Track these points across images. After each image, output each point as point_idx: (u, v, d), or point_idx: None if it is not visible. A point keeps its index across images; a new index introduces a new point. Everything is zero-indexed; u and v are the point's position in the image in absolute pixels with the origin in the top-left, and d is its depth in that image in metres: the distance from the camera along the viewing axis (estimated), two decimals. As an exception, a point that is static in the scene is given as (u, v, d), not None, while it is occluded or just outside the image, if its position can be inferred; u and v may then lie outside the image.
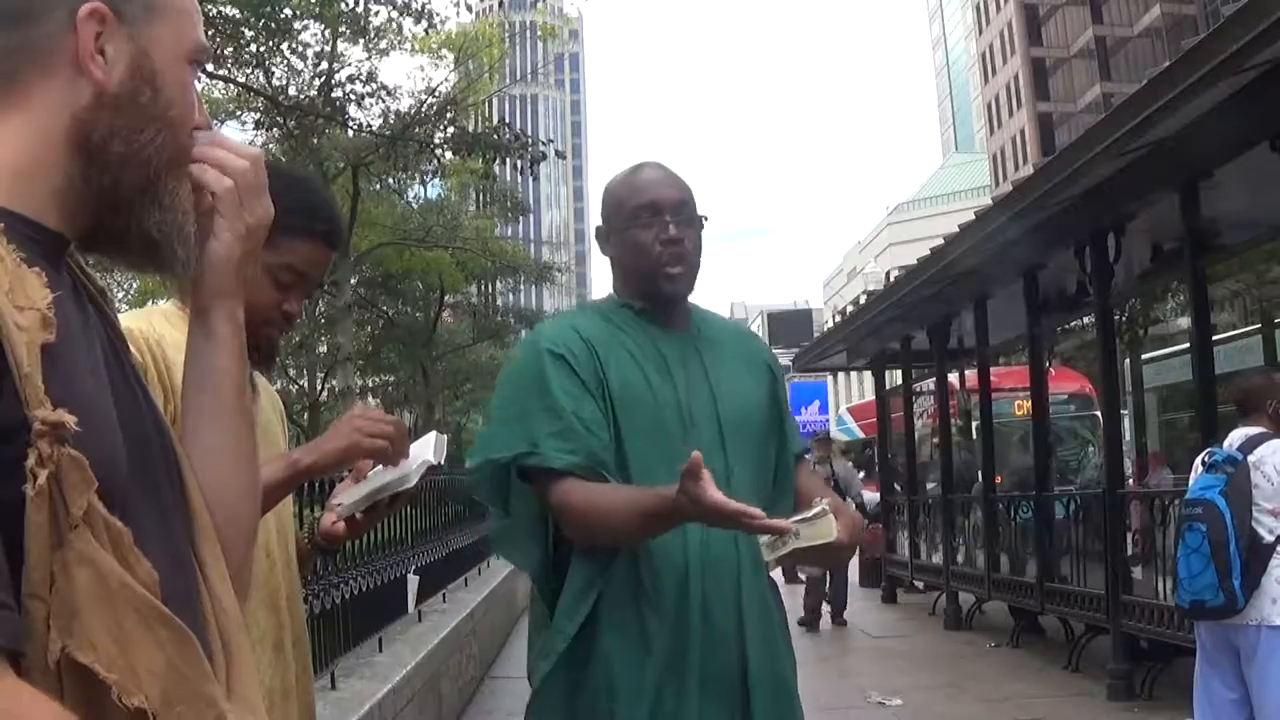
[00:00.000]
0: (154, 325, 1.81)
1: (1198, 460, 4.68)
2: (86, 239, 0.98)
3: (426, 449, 1.89)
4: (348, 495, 1.90)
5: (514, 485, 2.14)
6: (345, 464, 1.85)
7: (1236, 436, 4.47)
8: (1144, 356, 10.76)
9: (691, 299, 2.31)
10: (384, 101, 18.36)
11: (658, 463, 2.09)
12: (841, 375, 40.63)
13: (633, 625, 2.07)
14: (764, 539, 2.06)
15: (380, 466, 1.86)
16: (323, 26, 17.49)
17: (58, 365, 0.82)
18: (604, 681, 2.07)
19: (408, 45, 19.79)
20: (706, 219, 2.25)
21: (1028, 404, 13.73)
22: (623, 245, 2.22)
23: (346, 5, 17.02)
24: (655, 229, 2.17)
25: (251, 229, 1.05)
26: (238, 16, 15.35)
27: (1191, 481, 4.66)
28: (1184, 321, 9.58)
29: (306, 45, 17.57)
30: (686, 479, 1.83)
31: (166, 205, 0.98)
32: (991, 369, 11.37)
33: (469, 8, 18.02)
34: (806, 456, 2.41)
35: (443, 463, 1.89)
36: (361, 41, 18.53)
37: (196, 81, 1.01)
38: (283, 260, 1.80)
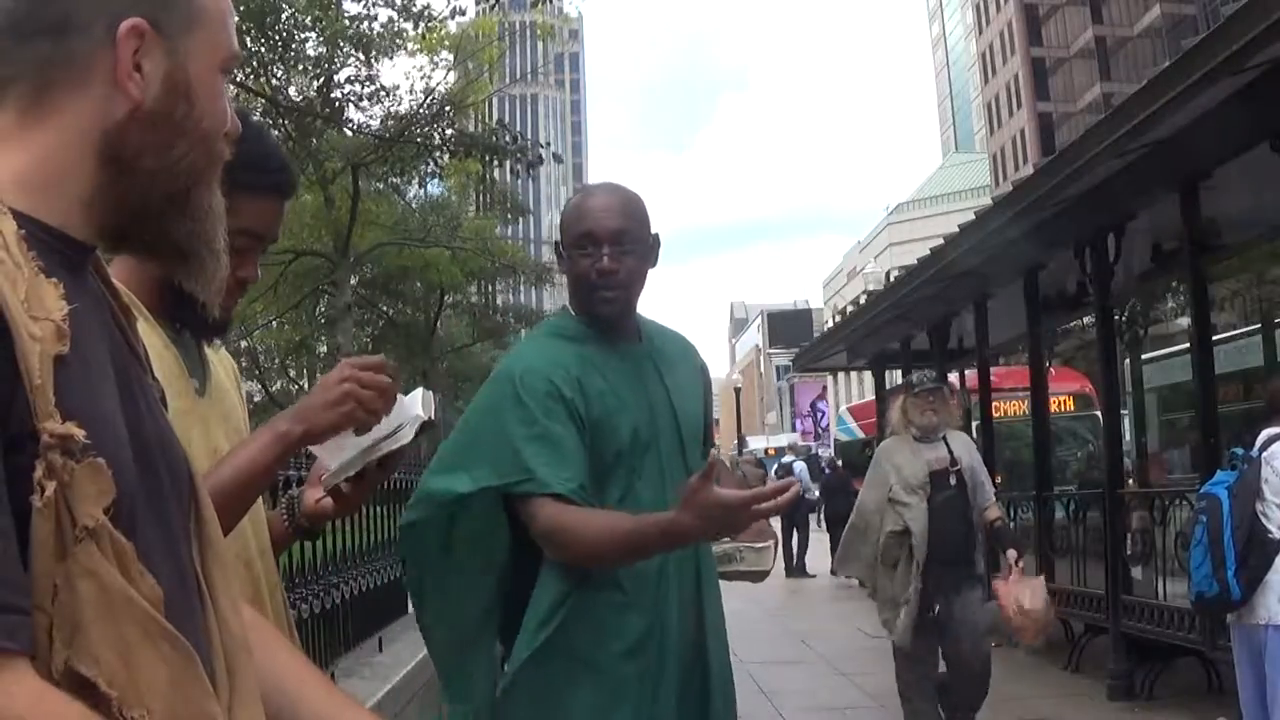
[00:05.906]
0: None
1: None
2: (114, 242, 0.97)
3: (415, 404, 1.68)
4: (332, 459, 1.69)
5: (472, 516, 2.18)
6: (340, 431, 1.60)
7: (1263, 437, 4.54)
8: (1144, 356, 10.74)
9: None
10: (382, 102, 18.38)
11: (633, 474, 2.24)
12: (841, 375, 40.66)
13: (609, 621, 2.19)
14: (715, 553, 2.32)
15: None
16: (322, 39, 17.43)
17: (71, 377, 0.81)
18: (590, 639, 2.18)
19: (408, 47, 19.78)
20: (657, 238, 2.36)
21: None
22: (568, 269, 2.36)
23: (347, 19, 16.99)
24: (592, 258, 2.28)
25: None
26: (237, 22, 15.35)
27: None
28: (1184, 321, 9.57)
29: (307, 56, 17.51)
30: (700, 481, 1.91)
31: (197, 217, 0.96)
32: (991, 369, 11.37)
33: (460, 11, 18.06)
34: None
35: (434, 417, 1.69)
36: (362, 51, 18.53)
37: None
38: (233, 225, 1.51)
